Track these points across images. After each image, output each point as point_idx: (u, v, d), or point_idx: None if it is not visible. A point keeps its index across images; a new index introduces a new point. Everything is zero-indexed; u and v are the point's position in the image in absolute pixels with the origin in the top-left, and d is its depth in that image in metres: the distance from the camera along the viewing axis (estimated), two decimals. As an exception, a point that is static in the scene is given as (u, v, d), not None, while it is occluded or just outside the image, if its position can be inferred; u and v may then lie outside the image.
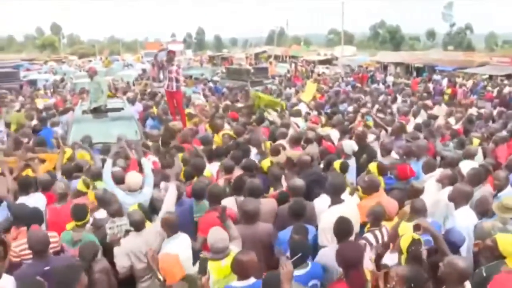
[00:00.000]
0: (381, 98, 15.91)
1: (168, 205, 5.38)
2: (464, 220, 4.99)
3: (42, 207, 5.60)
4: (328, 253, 4.30)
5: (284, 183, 6.34)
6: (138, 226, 4.89)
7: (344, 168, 6.53)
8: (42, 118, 11.67)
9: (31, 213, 4.93)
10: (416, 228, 4.16)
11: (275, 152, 7.34)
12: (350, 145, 7.72)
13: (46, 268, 4.18)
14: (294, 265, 3.78)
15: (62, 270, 3.77)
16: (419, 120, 11.11)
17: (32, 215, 4.92)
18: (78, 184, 6.23)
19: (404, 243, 3.97)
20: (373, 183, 5.70)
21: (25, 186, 5.95)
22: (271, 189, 6.31)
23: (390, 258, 4.29)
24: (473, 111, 12.95)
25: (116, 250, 4.83)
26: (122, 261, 4.77)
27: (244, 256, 3.86)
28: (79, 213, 5.14)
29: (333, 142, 8.77)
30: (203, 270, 3.90)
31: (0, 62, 45.60)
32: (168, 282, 3.90)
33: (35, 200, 5.70)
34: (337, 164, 6.59)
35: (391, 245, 4.37)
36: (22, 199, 5.73)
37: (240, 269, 3.85)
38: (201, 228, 5.15)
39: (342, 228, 4.32)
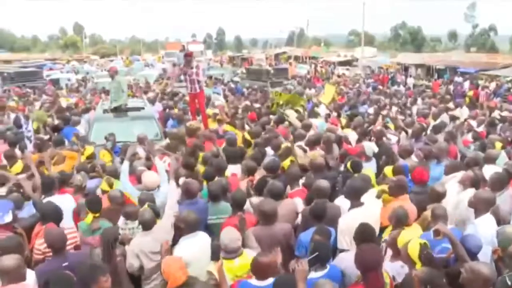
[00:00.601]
0: (401, 100, 15.79)
1: (172, 204, 5.37)
2: (486, 229, 4.80)
3: (71, 207, 5.66)
4: (347, 258, 4.28)
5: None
6: (147, 225, 4.87)
7: (356, 168, 6.43)
8: (64, 117, 11.82)
9: (54, 211, 4.99)
10: (436, 233, 4.11)
11: (285, 155, 7.25)
12: (370, 146, 7.65)
13: (65, 264, 4.25)
14: (310, 264, 3.77)
15: (82, 268, 3.83)
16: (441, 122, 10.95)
17: (55, 213, 4.97)
18: (101, 184, 6.29)
19: (413, 251, 3.94)
20: (401, 184, 5.61)
21: (50, 185, 5.99)
22: (288, 188, 6.22)
23: (389, 267, 4.25)
24: (496, 114, 12.73)
25: (126, 249, 4.86)
26: (131, 261, 4.78)
27: (264, 258, 3.86)
28: (95, 205, 5.32)
29: (351, 144, 8.71)
30: (216, 257, 3.89)
31: (25, 61, 46.65)
32: (169, 286, 3.90)
33: (64, 200, 5.74)
34: (349, 164, 6.52)
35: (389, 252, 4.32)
36: (51, 199, 5.74)
37: (259, 270, 3.85)
38: None
39: (363, 233, 4.25)
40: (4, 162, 7.65)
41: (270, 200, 5.15)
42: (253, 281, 3.89)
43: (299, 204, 5.76)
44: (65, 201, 5.70)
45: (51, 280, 3.76)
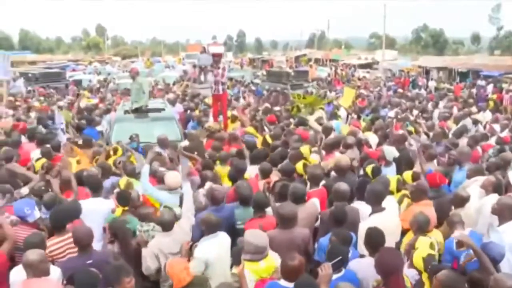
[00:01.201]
0: (422, 103, 15.62)
1: (188, 206, 5.43)
2: (510, 236, 4.71)
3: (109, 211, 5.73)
4: (362, 263, 4.26)
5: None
6: (167, 226, 4.90)
7: (376, 173, 6.39)
8: (86, 117, 11.96)
9: (54, 213, 5.05)
10: (459, 244, 4.06)
11: (295, 159, 7.19)
12: (390, 151, 7.59)
13: (89, 261, 4.35)
14: (333, 268, 3.76)
15: (107, 269, 3.92)
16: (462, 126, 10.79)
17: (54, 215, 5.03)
18: (119, 182, 6.36)
19: (418, 263, 3.94)
20: (422, 189, 5.56)
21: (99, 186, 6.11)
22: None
23: (408, 273, 4.19)
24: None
25: (144, 251, 4.90)
26: (149, 262, 4.79)
27: (294, 261, 3.85)
28: (124, 200, 5.58)
29: (371, 147, 8.65)
30: (238, 261, 3.88)
31: (49, 63, 47.49)
32: (175, 287, 3.94)
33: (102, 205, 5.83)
34: (369, 168, 6.48)
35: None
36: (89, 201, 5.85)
37: (289, 272, 3.84)
38: None
39: (373, 239, 4.24)
40: (33, 160, 7.83)
41: (291, 204, 5.12)
42: (282, 282, 3.88)
43: (317, 204, 5.73)
44: (106, 204, 5.81)
45: (76, 276, 3.86)
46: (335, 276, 3.96)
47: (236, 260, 4.00)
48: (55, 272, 4.23)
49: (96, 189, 5.97)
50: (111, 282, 3.80)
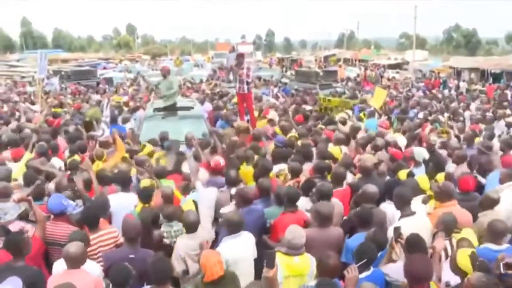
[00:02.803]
0: (452, 105, 15.33)
1: (209, 204, 5.52)
2: None
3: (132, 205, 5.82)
4: (393, 267, 4.21)
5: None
6: (192, 227, 4.90)
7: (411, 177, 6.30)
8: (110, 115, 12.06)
9: (86, 211, 5.16)
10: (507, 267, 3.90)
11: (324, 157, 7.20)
12: (420, 152, 7.49)
13: (131, 256, 4.45)
14: (360, 271, 3.74)
15: (158, 264, 4.00)
16: (495, 130, 10.57)
17: (86, 214, 5.12)
18: (143, 182, 6.46)
19: (464, 262, 3.78)
20: (447, 190, 5.46)
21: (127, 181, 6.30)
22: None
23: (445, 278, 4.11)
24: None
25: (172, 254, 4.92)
26: (176, 265, 4.78)
27: (331, 260, 3.85)
28: (145, 197, 5.66)
29: (401, 148, 8.55)
30: (271, 264, 3.83)
31: (80, 61, 48.59)
32: (206, 279, 3.94)
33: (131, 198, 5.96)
34: (403, 174, 6.40)
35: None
36: (119, 195, 6.02)
37: (326, 272, 3.84)
38: (280, 229, 4.98)
39: (415, 243, 4.16)
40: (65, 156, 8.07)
41: (327, 202, 5.12)
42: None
43: (340, 204, 5.72)
44: (132, 198, 5.93)
45: (111, 269, 3.99)
46: (364, 275, 3.95)
47: (269, 262, 3.84)
48: (96, 268, 4.39)
49: (124, 184, 6.16)
50: (164, 278, 3.91)
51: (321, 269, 3.88)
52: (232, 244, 4.68)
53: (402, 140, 9.01)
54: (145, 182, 6.38)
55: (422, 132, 9.81)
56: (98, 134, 9.35)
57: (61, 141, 9.07)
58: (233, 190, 5.84)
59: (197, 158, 7.69)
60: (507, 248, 4.38)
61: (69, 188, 6.10)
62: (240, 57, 11.55)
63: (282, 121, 10.81)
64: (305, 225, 5.02)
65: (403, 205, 5.07)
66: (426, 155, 7.42)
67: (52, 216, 5.13)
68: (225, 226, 4.88)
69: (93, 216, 5.02)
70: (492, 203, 5.29)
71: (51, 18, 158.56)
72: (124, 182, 6.19)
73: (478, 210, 5.44)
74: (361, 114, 12.42)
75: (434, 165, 7.06)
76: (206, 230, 5.15)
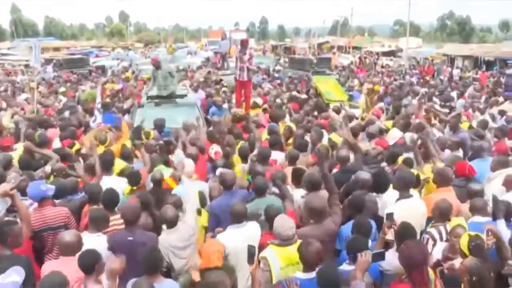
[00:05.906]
0: (445, 92, 15.37)
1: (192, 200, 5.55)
2: None
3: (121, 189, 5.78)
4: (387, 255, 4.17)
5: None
6: (170, 222, 4.88)
7: (409, 164, 6.29)
8: (103, 103, 11.92)
9: (105, 193, 5.14)
10: (487, 233, 4.00)
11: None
12: (410, 136, 7.56)
13: (130, 238, 4.48)
14: (374, 259, 3.71)
15: (149, 254, 3.96)
16: (487, 116, 10.61)
17: (105, 196, 5.12)
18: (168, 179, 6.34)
19: (463, 242, 3.84)
20: (446, 175, 5.48)
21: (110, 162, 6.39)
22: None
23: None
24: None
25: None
26: None
27: (312, 247, 3.79)
28: (133, 179, 5.75)
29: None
30: (251, 260, 3.78)
31: (73, 49, 48.17)
32: (201, 265, 3.85)
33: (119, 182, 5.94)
34: (400, 159, 6.42)
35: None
36: (106, 179, 6.01)
37: (308, 260, 3.80)
38: None
39: (403, 232, 4.11)
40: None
41: (318, 195, 5.00)
42: (299, 274, 3.81)
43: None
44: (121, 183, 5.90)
45: (81, 252, 3.94)
46: (353, 267, 3.83)
47: (250, 258, 3.79)
48: (101, 242, 4.40)
49: (108, 168, 6.25)
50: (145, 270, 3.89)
51: (303, 258, 3.81)
52: (234, 233, 4.61)
53: (395, 132, 8.90)
54: (169, 181, 6.27)
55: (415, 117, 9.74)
56: (91, 120, 9.34)
57: (52, 131, 9.02)
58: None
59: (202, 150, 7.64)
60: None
61: (63, 171, 6.17)
62: (245, 42, 11.51)
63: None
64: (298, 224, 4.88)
65: (404, 187, 5.05)
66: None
67: (36, 204, 5.08)
68: (231, 216, 4.74)
69: (112, 199, 5.07)
70: (475, 195, 5.20)
71: (41, 5, 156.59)
72: (107, 166, 6.27)
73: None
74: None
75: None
76: (189, 225, 5.10)
